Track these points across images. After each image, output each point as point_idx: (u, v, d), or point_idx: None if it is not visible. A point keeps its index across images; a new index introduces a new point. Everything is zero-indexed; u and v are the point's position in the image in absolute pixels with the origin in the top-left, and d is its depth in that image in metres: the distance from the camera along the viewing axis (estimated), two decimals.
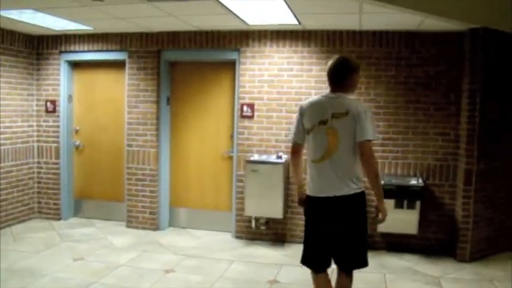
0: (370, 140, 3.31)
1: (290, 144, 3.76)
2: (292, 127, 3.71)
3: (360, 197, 3.44)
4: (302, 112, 3.54)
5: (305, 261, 3.58)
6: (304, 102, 3.64)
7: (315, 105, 3.49)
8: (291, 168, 3.82)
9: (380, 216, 3.43)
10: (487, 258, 5.58)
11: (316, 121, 3.42)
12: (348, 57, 3.63)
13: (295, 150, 3.65)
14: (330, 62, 3.52)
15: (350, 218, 3.43)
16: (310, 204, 3.53)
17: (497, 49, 5.40)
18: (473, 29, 5.30)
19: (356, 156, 3.37)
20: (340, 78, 3.45)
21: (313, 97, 3.63)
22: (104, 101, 7.01)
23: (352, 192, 3.37)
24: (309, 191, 3.52)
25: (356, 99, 3.75)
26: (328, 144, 3.37)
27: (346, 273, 3.55)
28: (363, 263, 3.53)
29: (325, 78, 5.80)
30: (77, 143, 7.15)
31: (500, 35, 5.29)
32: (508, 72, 5.52)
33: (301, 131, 3.55)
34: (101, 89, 7.04)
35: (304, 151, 3.67)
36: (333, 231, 3.44)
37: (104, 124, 7.05)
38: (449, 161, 5.73)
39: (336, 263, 3.55)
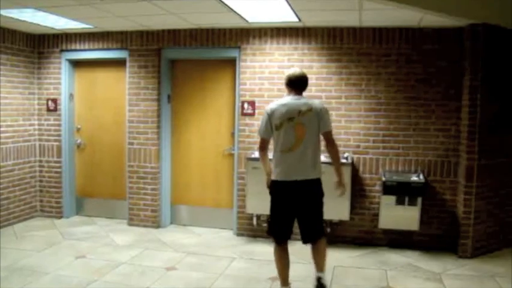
0: (331, 130, 4.21)
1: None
2: (261, 126, 4.30)
3: (320, 181, 4.23)
4: (271, 112, 4.20)
5: (272, 232, 4.42)
6: (272, 104, 4.30)
7: (283, 106, 4.18)
8: (261, 160, 4.38)
9: (341, 189, 4.31)
10: (489, 254, 5.59)
11: (284, 118, 4.13)
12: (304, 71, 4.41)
13: (264, 145, 4.31)
14: (294, 73, 4.27)
15: (314, 198, 4.23)
16: (277, 187, 4.21)
17: (498, 45, 5.40)
18: (473, 25, 5.28)
19: (318, 146, 4.23)
20: (303, 86, 4.29)
21: (280, 99, 4.35)
22: (105, 99, 7.01)
23: (315, 176, 4.18)
24: (275, 176, 4.19)
25: (314, 99, 4.66)
26: (296, 137, 4.12)
27: (318, 242, 4.31)
28: (323, 233, 4.37)
29: (326, 75, 5.85)
30: (79, 141, 7.17)
31: (500, 31, 5.28)
32: (508, 69, 5.51)
33: (270, 129, 4.22)
34: (102, 88, 7.05)
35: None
36: (299, 210, 4.22)
37: (105, 122, 7.07)
38: (451, 157, 5.73)
39: (305, 237, 4.31)
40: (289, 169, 4.13)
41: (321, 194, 4.25)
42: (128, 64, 6.62)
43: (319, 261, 4.30)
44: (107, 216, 7.06)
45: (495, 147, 5.53)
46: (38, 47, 6.97)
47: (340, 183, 4.28)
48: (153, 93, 6.51)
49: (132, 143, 6.66)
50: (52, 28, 6.45)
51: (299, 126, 4.11)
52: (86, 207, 7.26)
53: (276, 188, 4.23)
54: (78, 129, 7.17)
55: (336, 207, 5.67)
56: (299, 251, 4.90)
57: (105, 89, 7.02)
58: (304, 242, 4.33)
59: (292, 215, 4.27)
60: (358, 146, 5.93)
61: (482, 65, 5.31)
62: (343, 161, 5.71)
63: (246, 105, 6.18)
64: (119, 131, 6.89)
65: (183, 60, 6.66)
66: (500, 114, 5.52)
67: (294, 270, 5.01)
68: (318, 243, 4.31)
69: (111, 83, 6.98)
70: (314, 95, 5.93)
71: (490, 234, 5.63)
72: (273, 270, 5.01)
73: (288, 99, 4.23)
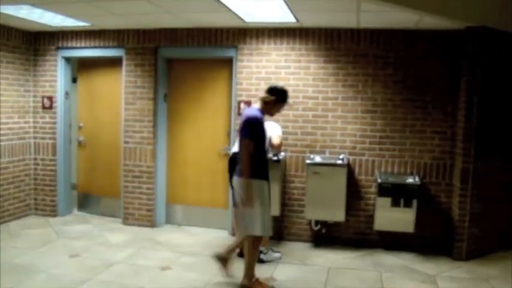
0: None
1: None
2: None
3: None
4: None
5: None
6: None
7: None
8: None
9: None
10: (483, 256, 5.59)
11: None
12: None
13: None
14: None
15: None
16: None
17: (496, 48, 5.40)
18: (471, 28, 5.28)
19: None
20: None
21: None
22: (102, 97, 7.00)
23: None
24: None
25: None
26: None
27: None
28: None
29: (323, 76, 5.84)
30: (80, 139, 7.33)
31: (498, 33, 5.28)
32: (506, 71, 5.51)
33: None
34: (99, 86, 7.02)
35: None
36: None
37: (102, 120, 7.08)
38: (446, 159, 5.73)
39: None
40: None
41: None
42: (124, 62, 6.59)
43: None
44: (102, 215, 7.06)
45: (491, 150, 5.53)
46: (34, 44, 6.93)
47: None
48: (150, 92, 6.49)
49: (127, 142, 6.63)
50: (48, 25, 6.41)
51: None
52: (82, 206, 7.31)
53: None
54: (80, 127, 7.34)
55: (331, 209, 5.69)
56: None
57: (102, 87, 7.01)
58: None
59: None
60: (354, 148, 5.93)
61: (480, 68, 5.32)
62: (339, 162, 5.72)
63: (242, 105, 6.16)
64: (116, 130, 6.86)
65: (180, 60, 6.64)
66: (497, 117, 5.52)
67: (290, 270, 5.03)
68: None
69: (107, 81, 6.96)
70: (311, 95, 5.94)
71: (485, 236, 5.63)
72: (267, 270, 5.03)
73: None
